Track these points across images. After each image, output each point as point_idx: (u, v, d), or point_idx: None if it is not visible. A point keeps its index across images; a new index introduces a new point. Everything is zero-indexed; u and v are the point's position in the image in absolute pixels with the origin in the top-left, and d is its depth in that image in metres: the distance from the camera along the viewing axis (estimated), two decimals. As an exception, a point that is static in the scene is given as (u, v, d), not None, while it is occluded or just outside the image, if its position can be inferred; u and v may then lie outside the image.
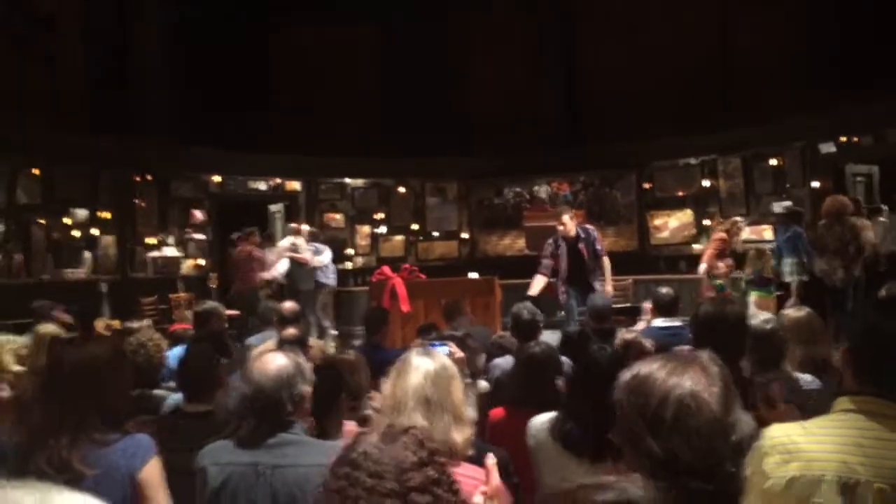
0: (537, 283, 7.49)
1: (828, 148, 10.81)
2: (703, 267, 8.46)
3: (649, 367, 1.30)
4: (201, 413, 2.79)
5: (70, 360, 2.19)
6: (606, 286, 7.42)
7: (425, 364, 2.07)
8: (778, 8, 11.20)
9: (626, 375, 1.33)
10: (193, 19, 11.74)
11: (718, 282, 8.23)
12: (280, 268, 10.09)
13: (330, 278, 10.75)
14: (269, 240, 10.71)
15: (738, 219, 9.72)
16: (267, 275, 9.98)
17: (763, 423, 2.02)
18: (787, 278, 8.31)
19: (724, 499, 1.23)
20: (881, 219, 9.50)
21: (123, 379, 2.33)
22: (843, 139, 10.65)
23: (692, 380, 1.25)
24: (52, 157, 9.84)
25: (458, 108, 13.33)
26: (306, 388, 2.23)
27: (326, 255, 10.56)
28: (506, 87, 13.19)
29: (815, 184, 10.97)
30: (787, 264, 8.27)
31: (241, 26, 12.01)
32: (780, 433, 1.72)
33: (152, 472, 2.14)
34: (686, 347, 2.75)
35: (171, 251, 11.18)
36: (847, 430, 1.69)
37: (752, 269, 8.67)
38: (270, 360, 2.19)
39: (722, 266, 8.37)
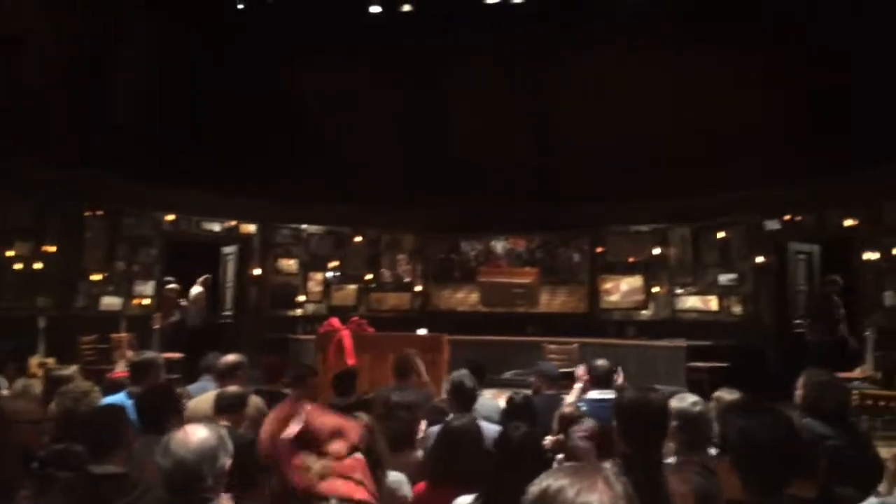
0: None
1: (772, 225, 11.19)
2: None
3: (557, 483, 1.31)
4: (109, 475, 2.67)
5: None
6: None
7: None
8: (732, 90, 11.66)
9: (534, 489, 1.34)
10: (164, 57, 11.73)
11: None
12: None
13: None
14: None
15: None
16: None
17: None
18: None
19: None
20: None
21: (8, 448, 2.24)
22: (787, 217, 11.04)
23: (599, 500, 1.27)
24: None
25: (421, 160, 13.46)
26: (228, 462, 2.19)
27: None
28: (471, 143, 13.36)
29: (760, 259, 11.32)
30: None
31: (211, 66, 11.99)
32: None
33: None
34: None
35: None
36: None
37: None
38: (192, 431, 2.15)
39: None
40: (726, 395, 3.84)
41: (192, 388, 5.42)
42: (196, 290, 12.38)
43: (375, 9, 12.28)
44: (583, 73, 12.94)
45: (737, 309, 11.61)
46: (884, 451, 3.87)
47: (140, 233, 11.61)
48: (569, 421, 4.13)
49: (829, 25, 10.15)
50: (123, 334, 10.29)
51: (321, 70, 13.20)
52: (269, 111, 12.68)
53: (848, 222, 10.14)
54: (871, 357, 8.61)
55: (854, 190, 9.98)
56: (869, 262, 9.68)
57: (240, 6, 12.19)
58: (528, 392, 5.05)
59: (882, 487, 3.15)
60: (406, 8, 12.21)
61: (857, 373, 8.60)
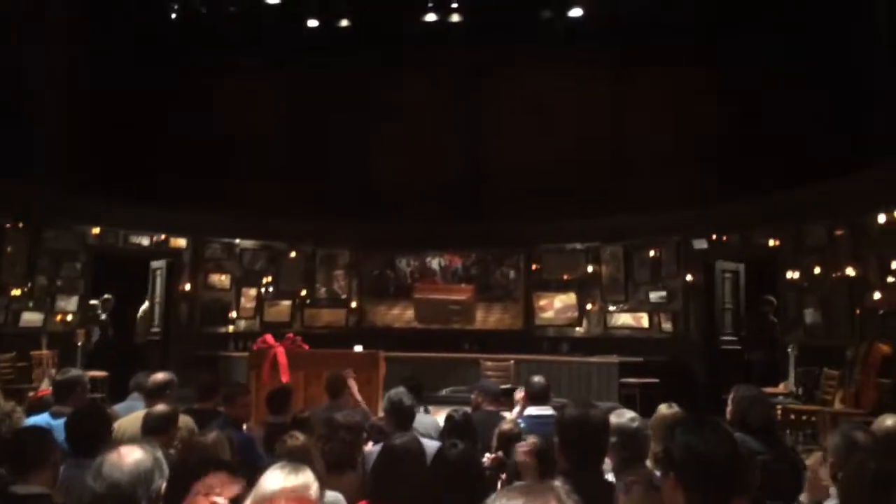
0: None
1: (700, 244, 11.55)
2: None
3: (510, 503, 1.31)
4: (32, 496, 2.54)
5: None
6: None
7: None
8: (662, 112, 12.04)
9: None
10: (90, 62, 11.35)
11: None
12: None
13: None
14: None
15: None
16: None
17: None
18: None
19: None
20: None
21: None
22: (714, 237, 11.41)
23: None
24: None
25: (357, 175, 13.39)
26: (164, 484, 2.11)
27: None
28: (407, 160, 13.36)
29: (689, 277, 11.65)
30: None
31: (139, 75, 11.67)
32: None
33: None
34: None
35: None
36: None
37: None
38: (126, 453, 2.06)
39: None
40: (666, 409, 3.88)
41: (119, 407, 5.24)
42: (145, 306, 12.28)
43: (313, 23, 12.18)
44: (517, 93, 13.14)
45: (667, 326, 11.90)
46: (822, 472, 3.98)
47: (63, 246, 11.15)
48: (508, 438, 4.14)
49: (754, 51, 10.60)
50: (44, 352, 9.86)
51: (256, 83, 13.06)
52: (200, 124, 12.44)
53: (771, 242, 10.53)
54: (793, 373, 8.93)
55: (777, 211, 10.38)
56: (791, 280, 10.06)
57: (173, 16, 11.86)
58: (468, 409, 5.05)
59: (804, 497, 3.25)
60: (344, 23, 12.16)
61: (780, 388, 8.91)
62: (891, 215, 8.22)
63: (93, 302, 11.24)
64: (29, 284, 10.57)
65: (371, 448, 4.08)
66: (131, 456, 2.05)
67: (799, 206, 10.01)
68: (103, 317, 11.55)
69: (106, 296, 11.56)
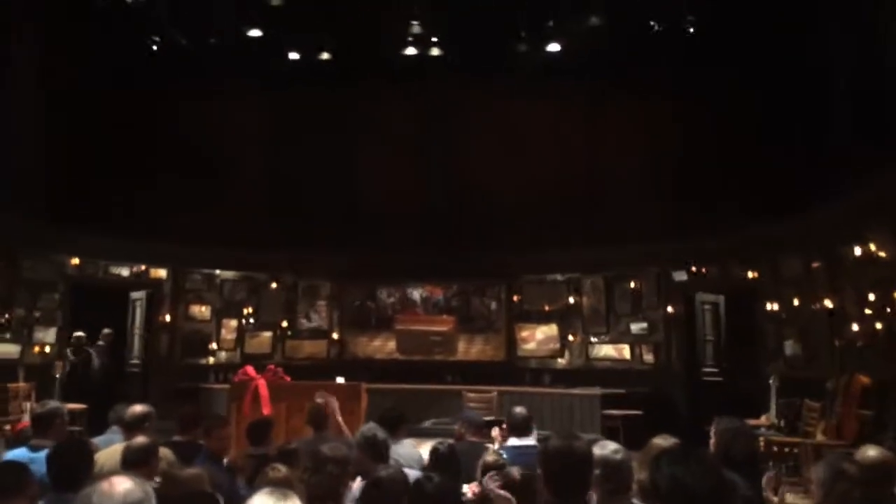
0: None
1: (680, 276, 11.64)
2: None
3: None
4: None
5: None
6: None
7: None
8: (643, 144, 12.20)
9: None
10: (66, 90, 11.29)
11: None
12: None
13: None
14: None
15: None
16: None
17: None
18: None
19: None
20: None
21: None
22: (694, 269, 11.51)
23: None
24: None
25: (337, 206, 13.40)
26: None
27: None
28: (387, 191, 13.40)
29: (670, 308, 11.72)
30: None
31: (118, 102, 11.62)
32: None
33: None
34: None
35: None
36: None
37: None
38: (116, 482, 2.03)
39: None
40: (661, 441, 3.85)
41: (98, 440, 5.17)
42: None
43: (294, 55, 12.25)
44: (496, 125, 13.26)
45: (648, 357, 11.94)
46: (789, 498, 3.98)
47: (42, 277, 11.02)
48: (492, 469, 4.13)
49: (731, 85, 10.78)
50: (21, 384, 9.69)
51: (236, 114, 13.07)
52: (182, 154, 12.41)
53: (750, 274, 10.64)
54: (774, 405, 8.97)
55: (754, 244, 10.51)
56: (770, 312, 10.15)
57: (154, 48, 11.86)
58: (451, 441, 5.02)
59: None
60: (325, 56, 12.22)
61: (762, 420, 8.93)
62: (866, 247, 8.33)
63: (79, 333, 11.05)
64: (6, 315, 10.42)
65: (356, 485, 4.05)
66: (122, 486, 2.02)
67: (775, 239, 10.14)
68: (86, 349, 11.35)
69: (106, 330, 11.47)
